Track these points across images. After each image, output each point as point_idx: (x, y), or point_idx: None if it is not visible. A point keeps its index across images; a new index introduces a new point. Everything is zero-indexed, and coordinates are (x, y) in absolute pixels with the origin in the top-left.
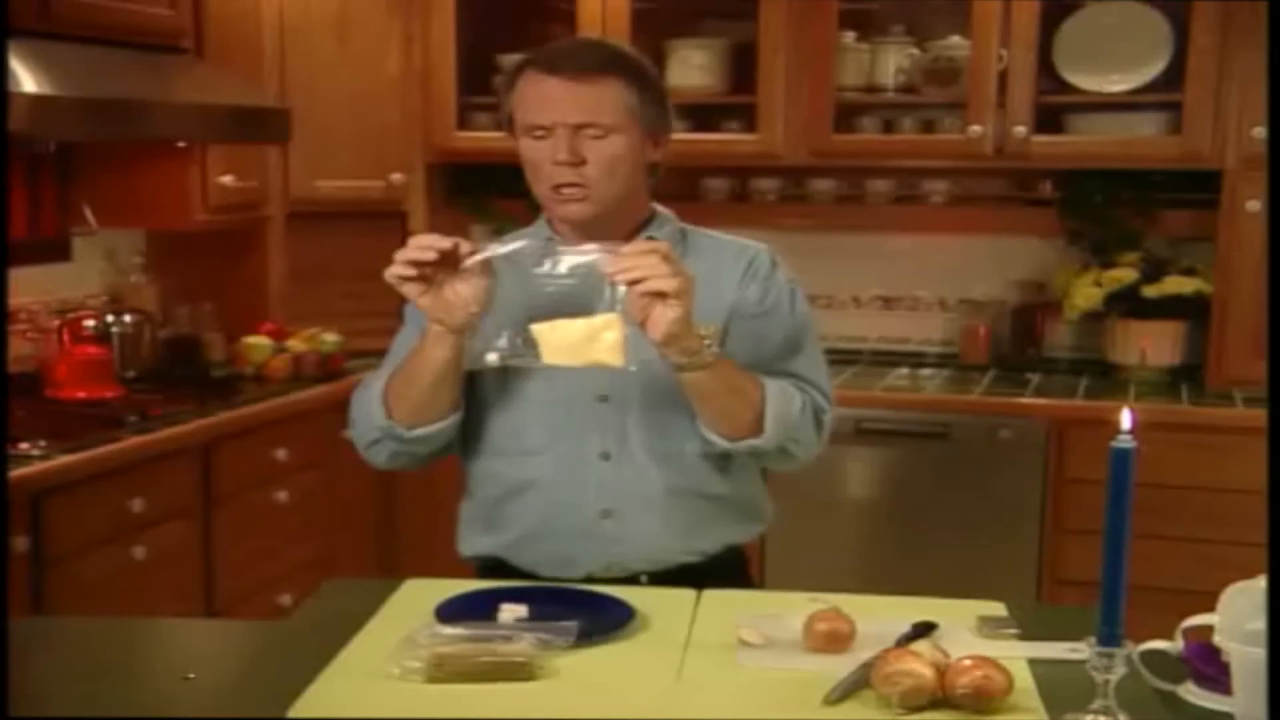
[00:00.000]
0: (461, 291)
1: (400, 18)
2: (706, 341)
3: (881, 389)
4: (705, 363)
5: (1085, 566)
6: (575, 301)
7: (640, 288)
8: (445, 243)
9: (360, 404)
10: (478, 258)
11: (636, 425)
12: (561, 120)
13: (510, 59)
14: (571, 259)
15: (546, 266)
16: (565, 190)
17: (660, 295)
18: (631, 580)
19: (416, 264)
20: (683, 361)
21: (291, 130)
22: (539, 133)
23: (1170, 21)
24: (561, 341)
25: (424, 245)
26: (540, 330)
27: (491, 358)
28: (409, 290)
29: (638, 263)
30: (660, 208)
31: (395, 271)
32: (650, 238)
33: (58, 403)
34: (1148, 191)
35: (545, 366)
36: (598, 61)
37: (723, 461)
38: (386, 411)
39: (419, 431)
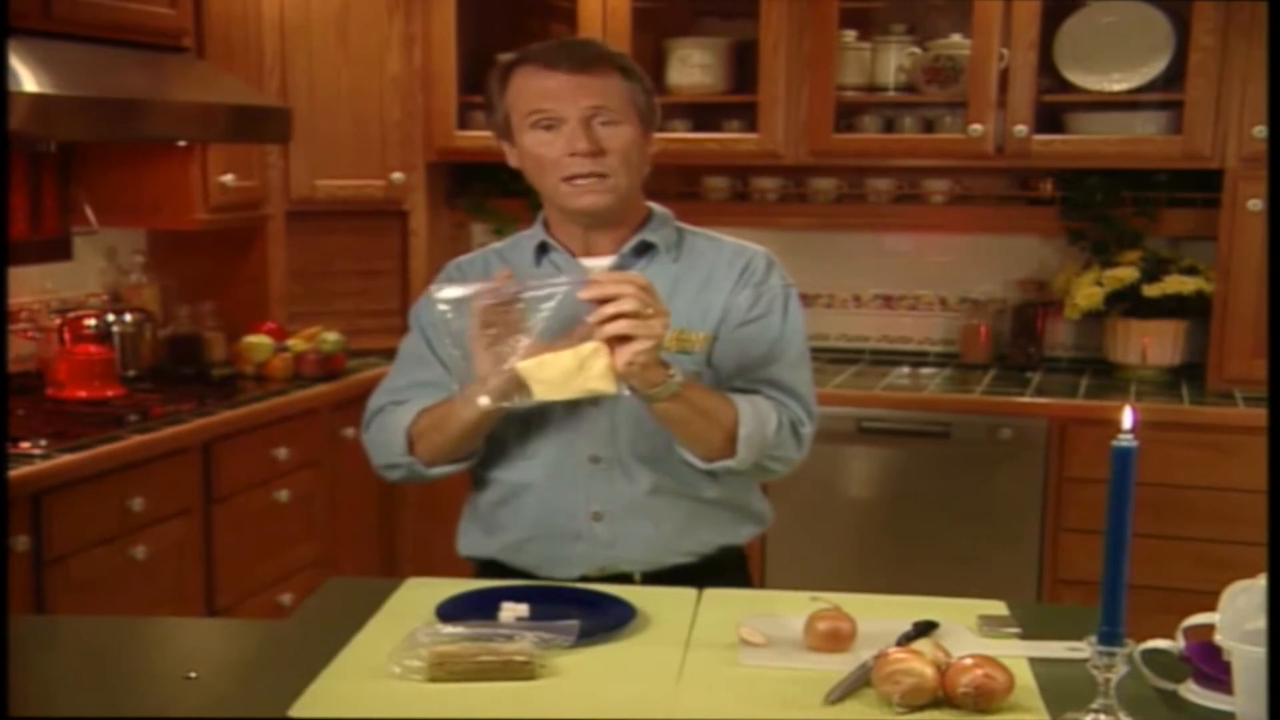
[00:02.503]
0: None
1: (401, 17)
2: (671, 372)
3: (882, 388)
4: (670, 394)
5: (1086, 565)
6: (557, 329)
7: (609, 329)
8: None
9: (382, 430)
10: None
11: (625, 428)
12: (574, 110)
13: (508, 58)
14: (542, 292)
15: (520, 307)
16: (582, 180)
17: (625, 339)
18: (625, 580)
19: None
20: (647, 393)
21: (292, 129)
22: (546, 124)
23: (1171, 20)
24: (552, 376)
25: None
26: (528, 368)
27: (484, 401)
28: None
29: (615, 290)
30: (657, 207)
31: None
32: (645, 241)
33: (58, 402)
34: (1149, 190)
35: (538, 404)
36: (594, 56)
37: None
38: (409, 448)
39: (438, 470)
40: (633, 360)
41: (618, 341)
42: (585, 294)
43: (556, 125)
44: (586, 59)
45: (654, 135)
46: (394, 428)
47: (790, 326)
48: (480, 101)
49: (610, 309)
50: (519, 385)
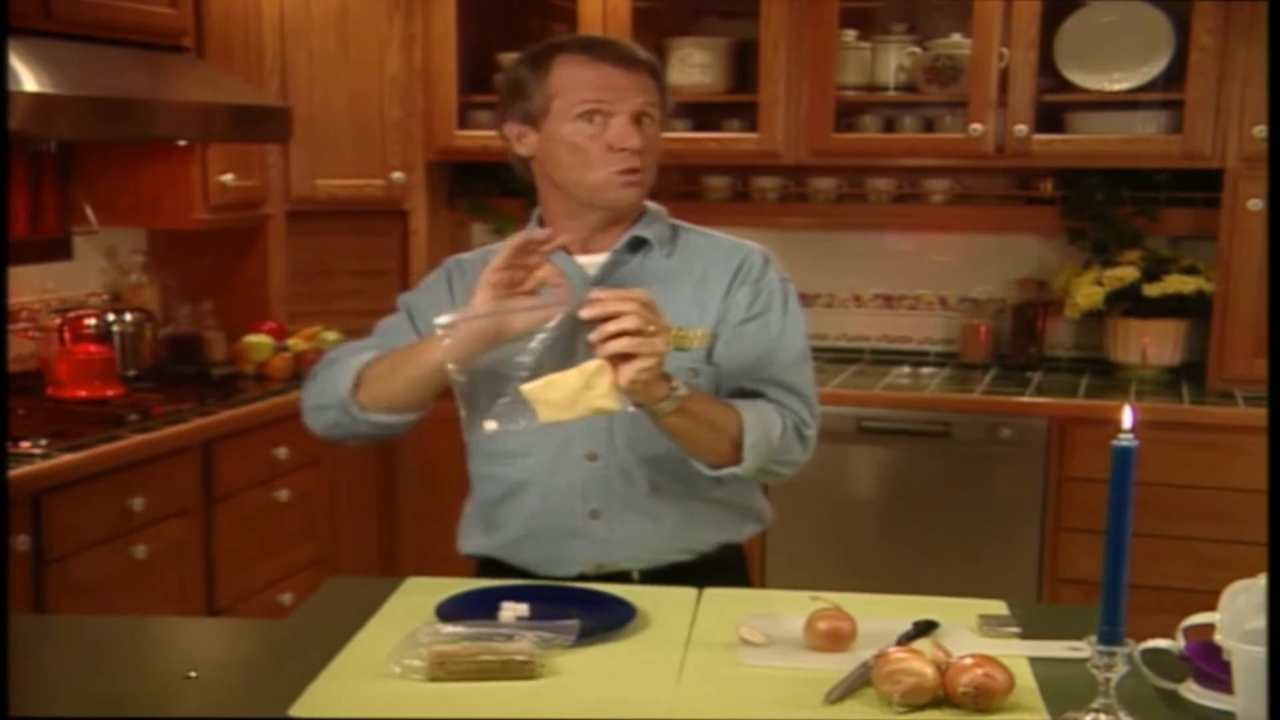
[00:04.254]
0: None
1: (401, 17)
2: (674, 385)
3: (882, 388)
4: (673, 408)
5: (1086, 565)
6: (559, 349)
7: (611, 346)
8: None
9: (331, 372)
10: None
11: (622, 427)
12: (626, 105)
13: (511, 57)
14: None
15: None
16: (626, 175)
17: (627, 356)
18: (623, 577)
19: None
20: (651, 408)
21: (292, 129)
22: (596, 115)
23: (1171, 20)
24: (557, 398)
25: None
26: (532, 390)
27: (489, 426)
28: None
29: (617, 308)
30: (650, 204)
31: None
32: (637, 237)
33: (59, 401)
34: (1149, 190)
35: (544, 426)
36: (633, 56)
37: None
38: (354, 388)
39: (376, 417)
40: (635, 378)
41: (620, 359)
42: (587, 313)
43: (606, 118)
44: (628, 58)
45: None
46: (346, 368)
47: (790, 322)
48: (480, 100)
49: (612, 326)
50: (523, 408)
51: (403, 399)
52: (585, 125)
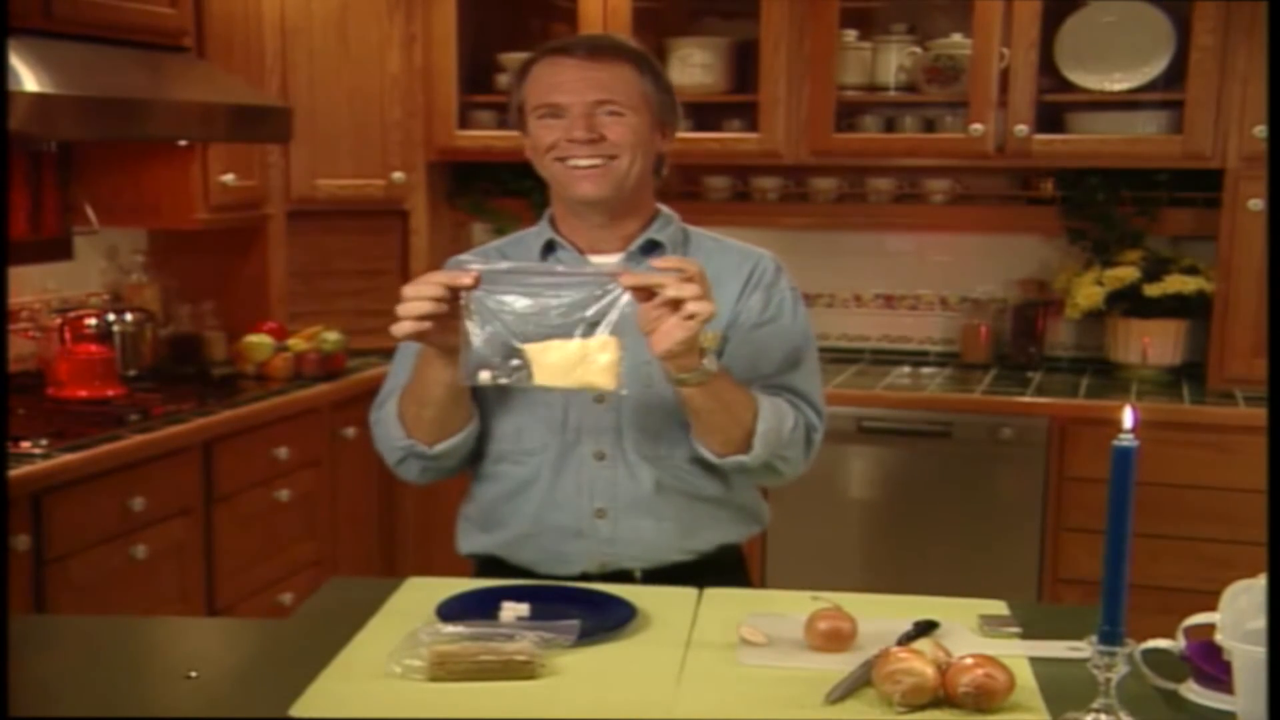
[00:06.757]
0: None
1: (401, 16)
2: (706, 361)
3: (883, 388)
4: (700, 381)
5: (1086, 565)
6: (570, 319)
7: (668, 292)
8: (438, 288)
9: (380, 425)
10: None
11: (630, 426)
12: (579, 98)
13: (512, 57)
14: (573, 278)
15: (546, 284)
16: (583, 167)
17: (677, 306)
18: (626, 576)
19: (426, 316)
20: (681, 377)
21: (293, 129)
22: (552, 112)
23: (1172, 20)
24: (554, 362)
25: (427, 295)
26: (533, 350)
27: (484, 376)
28: (415, 337)
29: (659, 277)
30: (663, 207)
31: (405, 330)
32: (651, 240)
33: (59, 401)
34: (1149, 190)
35: (536, 387)
36: (610, 46)
37: (715, 465)
38: (405, 432)
39: (440, 447)
40: (674, 346)
41: (662, 321)
42: (628, 279)
43: (561, 114)
44: (599, 47)
45: (673, 130)
46: (390, 418)
47: (800, 331)
48: (481, 100)
49: (668, 283)
50: (520, 364)
51: (447, 423)
52: (548, 122)
